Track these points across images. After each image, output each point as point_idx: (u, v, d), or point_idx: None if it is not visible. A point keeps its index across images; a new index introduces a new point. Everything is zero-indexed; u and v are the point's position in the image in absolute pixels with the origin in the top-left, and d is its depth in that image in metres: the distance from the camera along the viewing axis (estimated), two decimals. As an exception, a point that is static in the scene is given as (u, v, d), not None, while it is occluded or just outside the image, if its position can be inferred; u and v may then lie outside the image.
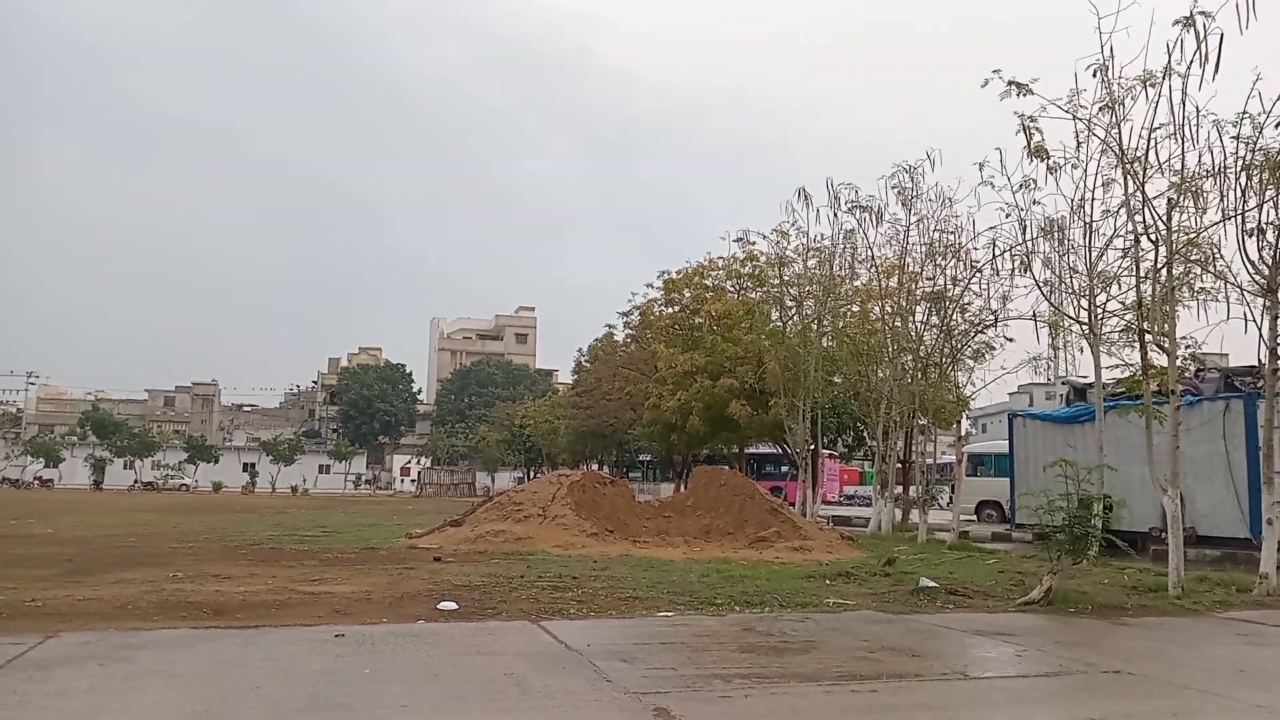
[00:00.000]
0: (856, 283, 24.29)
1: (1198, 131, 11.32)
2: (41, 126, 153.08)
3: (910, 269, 21.31)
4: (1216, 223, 11.95)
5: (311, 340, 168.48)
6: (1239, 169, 11.40)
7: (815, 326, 24.02)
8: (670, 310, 36.09)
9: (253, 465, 75.01)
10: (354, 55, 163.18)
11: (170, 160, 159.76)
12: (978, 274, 19.10)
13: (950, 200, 19.41)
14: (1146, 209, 11.75)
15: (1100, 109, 11.98)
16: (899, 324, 21.27)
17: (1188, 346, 13.56)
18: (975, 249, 18.96)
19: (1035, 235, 15.02)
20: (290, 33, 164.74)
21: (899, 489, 24.55)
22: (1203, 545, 15.69)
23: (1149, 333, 12.32)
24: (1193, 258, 12.74)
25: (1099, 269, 13.99)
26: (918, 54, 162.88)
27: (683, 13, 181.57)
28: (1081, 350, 17.16)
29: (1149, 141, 11.53)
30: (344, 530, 20.26)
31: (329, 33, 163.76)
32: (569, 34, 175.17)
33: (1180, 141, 11.37)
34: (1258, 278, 11.32)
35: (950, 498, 28.09)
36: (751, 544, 15.87)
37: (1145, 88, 11.44)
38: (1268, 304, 11.36)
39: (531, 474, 63.03)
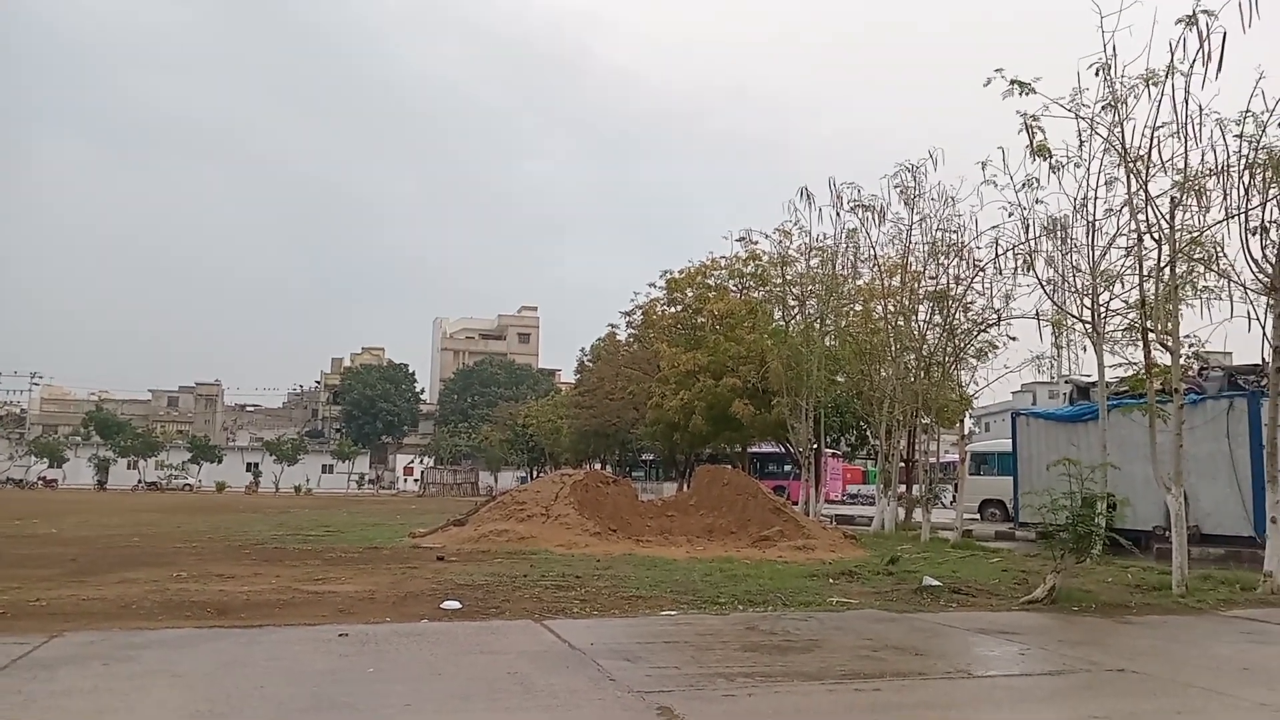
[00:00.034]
0: (859, 282, 24.28)
1: (1201, 130, 11.31)
2: (42, 126, 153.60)
3: (913, 268, 21.29)
4: (1220, 221, 11.95)
5: (313, 340, 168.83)
6: (1242, 167, 11.39)
7: (818, 325, 23.98)
8: (673, 310, 36.06)
9: (256, 465, 75.20)
10: (354, 55, 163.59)
11: (171, 160, 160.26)
12: (980, 273, 19.09)
13: (953, 199, 19.41)
14: (1149, 207, 11.73)
15: (1103, 108, 11.97)
16: (902, 323, 21.26)
17: (1191, 345, 13.58)
18: (978, 248, 18.96)
19: (1038, 234, 15.00)
20: (290, 33, 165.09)
21: (902, 488, 24.51)
22: (1206, 544, 15.69)
23: (1152, 331, 12.30)
24: (1196, 256, 12.75)
25: (1102, 268, 13.96)
26: (918, 54, 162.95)
27: (683, 13, 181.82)
28: (1085, 349, 17.23)
29: (1152, 140, 11.53)
30: (347, 530, 20.26)
31: (329, 33, 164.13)
32: (569, 34, 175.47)
33: (1183, 140, 11.35)
34: (1261, 276, 11.31)
35: (953, 496, 28.07)
36: (754, 543, 15.87)
37: (1148, 86, 11.42)
38: (1271, 302, 11.35)
39: (534, 473, 63.18)
